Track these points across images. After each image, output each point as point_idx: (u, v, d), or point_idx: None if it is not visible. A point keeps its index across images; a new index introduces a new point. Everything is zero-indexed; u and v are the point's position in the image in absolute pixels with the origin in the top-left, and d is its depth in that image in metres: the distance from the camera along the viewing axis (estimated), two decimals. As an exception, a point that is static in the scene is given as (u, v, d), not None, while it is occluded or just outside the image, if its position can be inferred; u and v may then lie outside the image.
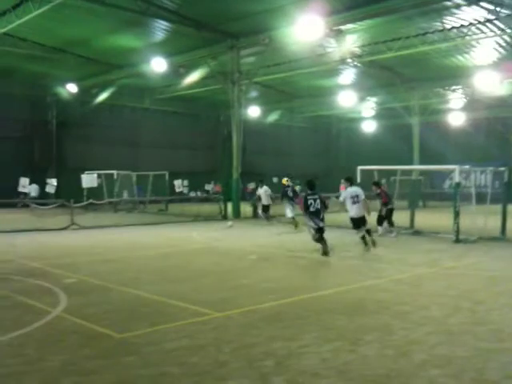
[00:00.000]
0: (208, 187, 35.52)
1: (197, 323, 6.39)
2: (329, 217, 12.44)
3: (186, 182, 31.01)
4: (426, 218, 18.88)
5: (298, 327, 6.21)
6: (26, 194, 27.42)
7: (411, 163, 30.67)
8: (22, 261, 11.30)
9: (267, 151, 43.79)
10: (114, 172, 28.98)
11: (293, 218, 17.82)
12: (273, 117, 42.22)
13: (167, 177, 30.40)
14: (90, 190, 26.62)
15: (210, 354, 5.31)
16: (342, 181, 15.13)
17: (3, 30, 21.12)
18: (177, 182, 29.31)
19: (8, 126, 32.00)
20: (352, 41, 23.45)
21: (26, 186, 25.97)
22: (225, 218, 22.59)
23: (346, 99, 33.70)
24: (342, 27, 21.36)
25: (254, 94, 34.32)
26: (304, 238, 15.70)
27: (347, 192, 12.75)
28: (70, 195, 20.77)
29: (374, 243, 12.52)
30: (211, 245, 14.36)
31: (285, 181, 18.89)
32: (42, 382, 4.62)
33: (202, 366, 4.99)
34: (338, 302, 7.54)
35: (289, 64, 26.80)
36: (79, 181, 25.72)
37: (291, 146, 45.70)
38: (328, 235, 11.79)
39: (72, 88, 31.07)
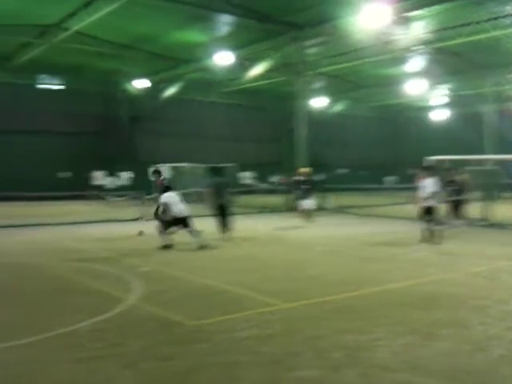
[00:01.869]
0: (274, 179, 35.68)
1: (265, 313, 6.48)
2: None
3: (252, 174, 31.36)
4: (502, 210, 18.11)
5: (368, 320, 6.15)
6: (98, 187, 28.58)
7: (483, 152, 29.46)
8: (97, 250, 11.83)
9: (333, 142, 43.38)
10: (184, 165, 29.64)
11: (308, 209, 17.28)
12: (338, 107, 41.75)
13: (236, 169, 30.66)
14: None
15: (280, 344, 5.37)
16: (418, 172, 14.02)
17: (75, 28, 22.05)
18: (245, 174, 29.64)
19: (83, 121, 33.57)
20: (420, 27, 22.77)
21: (99, 179, 27.14)
22: (291, 210, 22.59)
23: (414, 87, 32.84)
24: (409, 14, 20.79)
25: (319, 84, 34.05)
26: (369, 230, 15.52)
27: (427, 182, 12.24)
28: (143, 187, 21.42)
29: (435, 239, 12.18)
30: (277, 236, 14.43)
31: (307, 170, 18.40)
32: (121, 365, 4.83)
33: (273, 355, 5.05)
34: (409, 295, 7.40)
35: (354, 53, 26.41)
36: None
37: (357, 136, 45.04)
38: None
39: (141, 83, 32.03)
